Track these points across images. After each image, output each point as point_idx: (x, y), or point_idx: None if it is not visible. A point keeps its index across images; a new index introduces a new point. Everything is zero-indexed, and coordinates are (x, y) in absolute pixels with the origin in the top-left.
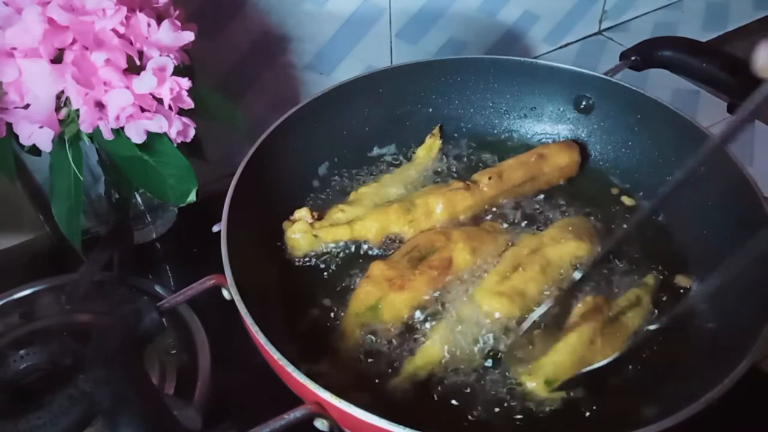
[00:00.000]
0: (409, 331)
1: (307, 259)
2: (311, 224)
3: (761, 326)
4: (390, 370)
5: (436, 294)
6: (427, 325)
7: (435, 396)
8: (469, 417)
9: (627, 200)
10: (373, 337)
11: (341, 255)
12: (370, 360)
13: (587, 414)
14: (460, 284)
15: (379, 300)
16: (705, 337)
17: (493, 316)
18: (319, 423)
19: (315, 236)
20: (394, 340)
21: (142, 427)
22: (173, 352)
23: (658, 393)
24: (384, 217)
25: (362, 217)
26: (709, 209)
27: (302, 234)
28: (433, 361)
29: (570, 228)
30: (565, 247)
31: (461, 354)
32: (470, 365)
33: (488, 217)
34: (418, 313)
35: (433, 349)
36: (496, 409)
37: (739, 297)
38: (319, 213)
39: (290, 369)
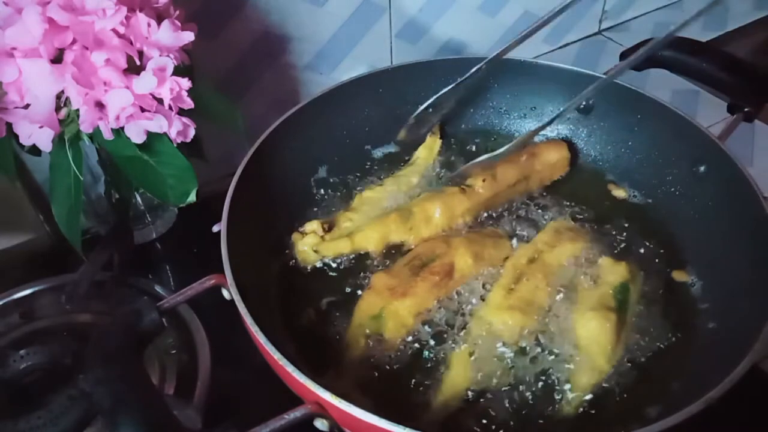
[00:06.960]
0: (416, 341)
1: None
2: (322, 237)
3: (761, 326)
4: (397, 379)
5: (447, 314)
6: (434, 343)
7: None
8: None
9: (618, 192)
10: (378, 347)
11: (343, 257)
12: (375, 369)
13: (588, 414)
14: (467, 296)
15: (382, 309)
16: (705, 337)
17: (508, 331)
18: (319, 423)
19: (315, 251)
20: (400, 351)
21: (142, 427)
22: (173, 352)
23: (659, 393)
24: (383, 226)
25: (362, 228)
26: (708, 209)
27: (312, 247)
28: (461, 389)
29: (560, 230)
30: (562, 250)
31: (488, 375)
32: (499, 386)
33: (487, 220)
34: (426, 328)
35: (458, 377)
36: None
37: (739, 297)
38: (329, 222)
39: (290, 369)
